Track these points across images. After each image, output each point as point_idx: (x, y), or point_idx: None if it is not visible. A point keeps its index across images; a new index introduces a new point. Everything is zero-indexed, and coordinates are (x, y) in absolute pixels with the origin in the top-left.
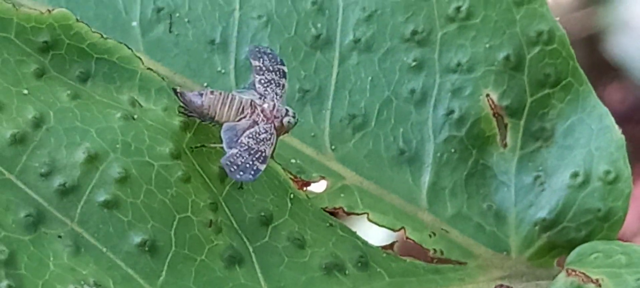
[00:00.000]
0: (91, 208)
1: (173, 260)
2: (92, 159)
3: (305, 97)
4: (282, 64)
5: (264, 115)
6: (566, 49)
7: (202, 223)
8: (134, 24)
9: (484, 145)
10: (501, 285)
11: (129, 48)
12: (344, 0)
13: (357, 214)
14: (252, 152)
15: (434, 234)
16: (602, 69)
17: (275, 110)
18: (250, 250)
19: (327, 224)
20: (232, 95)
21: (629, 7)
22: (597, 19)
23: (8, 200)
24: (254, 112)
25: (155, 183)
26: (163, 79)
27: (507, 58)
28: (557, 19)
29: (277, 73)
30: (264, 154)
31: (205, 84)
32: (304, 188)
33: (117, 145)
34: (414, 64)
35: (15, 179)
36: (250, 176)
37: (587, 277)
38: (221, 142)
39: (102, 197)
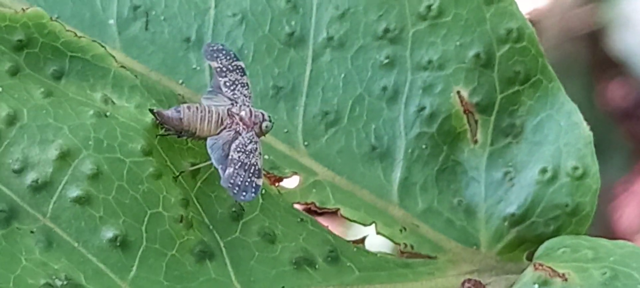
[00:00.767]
0: (63, 204)
1: (144, 255)
2: (65, 156)
3: (278, 94)
4: (238, 60)
5: (244, 124)
6: (535, 46)
7: (173, 218)
8: (111, 21)
9: (455, 141)
10: (470, 280)
11: (103, 46)
12: None
13: (329, 209)
14: (246, 167)
15: (405, 229)
16: (604, 65)
17: (253, 116)
18: (221, 245)
19: (298, 219)
20: (210, 108)
21: (631, 3)
22: (599, 15)
23: None
24: (233, 121)
25: (126, 179)
26: (136, 76)
27: (477, 55)
28: (559, 15)
29: (238, 71)
30: (257, 167)
31: (180, 81)
32: (277, 184)
33: (90, 142)
34: (386, 61)
35: None
36: (253, 194)
37: (554, 271)
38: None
39: (74, 193)
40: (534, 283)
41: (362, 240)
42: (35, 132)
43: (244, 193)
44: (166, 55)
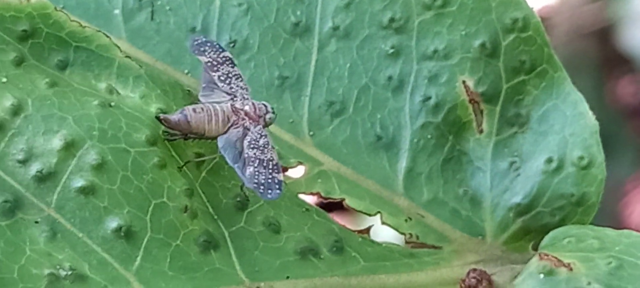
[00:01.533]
0: (68, 194)
1: (149, 246)
2: (69, 146)
3: (284, 84)
4: (225, 50)
5: (250, 118)
6: (541, 36)
7: (178, 208)
8: (116, 11)
9: (460, 131)
10: (475, 270)
11: (108, 36)
12: None
13: (334, 199)
14: (264, 164)
15: (410, 219)
16: (614, 62)
17: (256, 109)
18: (226, 235)
19: (303, 209)
20: (214, 107)
21: None
22: (609, 11)
23: None
24: (239, 117)
25: (131, 169)
26: (142, 66)
27: (483, 45)
28: (569, 12)
29: (227, 63)
30: (275, 162)
31: (186, 71)
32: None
33: (94, 132)
34: (391, 51)
35: None
36: (278, 191)
37: (559, 261)
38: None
39: (78, 183)
40: (540, 273)
41: (367, 230)
42: (40, 122)
43: (270, 191)
44: (172, 45)
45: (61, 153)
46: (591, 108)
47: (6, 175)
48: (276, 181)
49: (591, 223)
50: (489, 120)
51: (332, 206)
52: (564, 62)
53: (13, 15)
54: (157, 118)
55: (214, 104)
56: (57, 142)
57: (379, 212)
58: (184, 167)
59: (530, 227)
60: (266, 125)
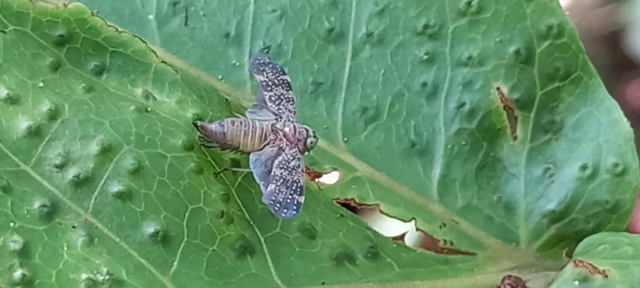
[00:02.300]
0: (105, 199)
1: (185, 251)
2: (106, 151)
3: (318, 90)
4: (285, 74)
5: (287, 140)
6: (575, 42)
7: (214, 214)
8: (151, 17)
9: (495, 137)
10: (510, 276)
11: (144, 41)
12: None
13: (369, 205)
14: (288, 184)
15: (444, 225)
16: (623, 66)
17: (297, 133)
18: (262, 240)
19: (338, 215)
20: (253, 123)
21: None
22: (618, 16)
23: (23, 191)
24: (277, 137)
25: (168, 174)
26: (177, 71)
27: (517, 52)
28: (579, 16)
29: (283, 86)
30: (299, 184)
31: (220, 77)
32: (316, 180)
33: (131, 137)
34: (425, 57)
35: (30, 170)
36: (294, 212)
37: (595, 268)
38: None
39: (115, 188)
40: (575, 280)
41: (402, 236)
42: (77, 127)
43: (285, 211)
44: (205, 51)
45: (98, 158)
46: None
47: (43, 180)
48: (295, 202)
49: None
50: (523, 126)
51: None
52: None
53: (50, 20)
54: (195, 124)
55: (255, 120)
56: (94, 147)
57: (413, 218)
58: (220, 173)
59: (564, 234)
60: (307, 149)
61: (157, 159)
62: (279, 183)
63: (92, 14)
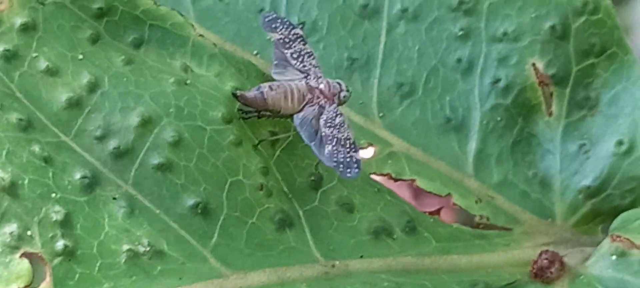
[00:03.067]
0: (145, 171)
1: (225, 223)
2: (146, 123)
3: (353, 66)
4: (295, 27)
5: (325, 97)
6: (611, 18)
7: (253, 186)
8: None
9: (530, 113)
10: (547, 251)
11: (182, 15)
12: None
13: (405, 180)
14: (341, 143)
15: (480, 200)
16: None
17: (331, 88)
18: (300, 213)
19: (375, 189)
20: (290, 85)
21: None
22: (621, 18)
23: (64, 162)
24: (314, 96)
25: (207, 147)
26: (215, 45)
27: (552, 27)
28: None
29: (299, 40)
30: (351, 140)
31: (255, 52)
32: None
33: (171, 110)
34: (460, 33)
35: (71, 142)
36: (357, 170)
37: (632, 243)
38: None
39: (155, 160)
40: (612, 255)
41: (438, 210)
42: (117, 99)
43: (349, 170)
44: (240, 26)
45: (138, 130)
46: None
47: (84, 152)
48: (355, 160)
49: None
50: (559, 102)
51: None
52: None
53: None
54: (234, 94)
55: (290, 82)
56: (134, 119)
57: (449, 193)
58: (259, 146)
59: (600, 210)
60: (341, 103)
61: (197, 132)
62: (333, 143)
63: None
